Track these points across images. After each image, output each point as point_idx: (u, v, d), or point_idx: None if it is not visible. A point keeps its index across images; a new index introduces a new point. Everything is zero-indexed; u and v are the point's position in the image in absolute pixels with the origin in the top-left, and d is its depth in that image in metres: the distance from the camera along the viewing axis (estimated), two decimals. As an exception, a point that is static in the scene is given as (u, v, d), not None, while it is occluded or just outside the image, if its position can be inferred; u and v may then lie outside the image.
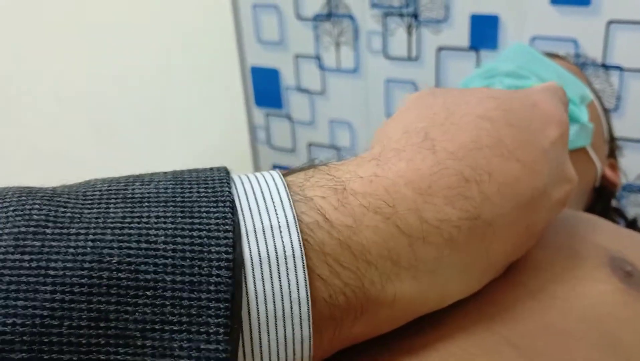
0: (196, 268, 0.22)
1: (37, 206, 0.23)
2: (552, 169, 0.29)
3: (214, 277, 0.22)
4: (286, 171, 0.28)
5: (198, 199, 0.24)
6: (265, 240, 0.24)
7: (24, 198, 0.23)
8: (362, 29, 1.06)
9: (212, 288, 0.22)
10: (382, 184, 0.26)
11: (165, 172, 0.27)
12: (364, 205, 0.25)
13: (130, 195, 0.24)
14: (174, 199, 0.24)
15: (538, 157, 0.29)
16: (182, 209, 0.24)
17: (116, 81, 1.40)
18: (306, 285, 0.23)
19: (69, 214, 0.23)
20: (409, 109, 0.31)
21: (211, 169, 0.27)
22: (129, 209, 0.23)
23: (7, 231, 0.22)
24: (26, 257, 0.21)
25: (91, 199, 0.24)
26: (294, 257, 0.23)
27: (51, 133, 1.55)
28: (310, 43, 1.12)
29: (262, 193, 0.25)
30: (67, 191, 0.25)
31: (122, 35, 1.33)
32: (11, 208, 0.23)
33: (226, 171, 0.26)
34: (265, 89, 1.22)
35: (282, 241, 0.24)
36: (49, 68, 1.43)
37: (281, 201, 0.25)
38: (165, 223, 0.23)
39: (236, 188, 0.25)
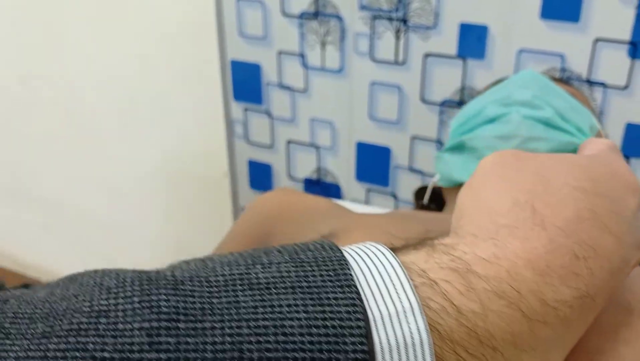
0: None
1: (163, 297, 0.22)
2: (633, 238, 0.30)
3: None
4: (392, 246, 0.28)
5: (322, 284, 0.24)
6: (393, 327, 0.23)
7: (146, 286, 0.22)
8: (349, 30, 1.05)
9: None
10: (503, 266, 0.25)
11: (278, 250, 0.26)
12: (489, 289, 0.25)
13: (255, 281, 0.24)
14: (299, 284, 0.23)
15: (625, 228, 0.29)
16: (310, 296, 0.23)
17: (93, 69, 1.35)
18: None
19: (198, 305, 0.22)
20: (499, 175, 0.31)
21: (322, 246, 0.26)
22: (258, 297, 0.23)
23: (137, 326, 0.21)
24: (163, 355, 0.20)
25: (217, 287, 0.23)
26: (421, 344, 0.23)
27: (23, 119, 1.49)
28: (295, 40, 1.11)
29: (380, 274, 0.24)
30: (189, 277, 0.24)
31: (102, 23, 1.28)
32: (136, 299, 0.22)
33: (339, 250, 0.26)
34: (245, 83, 1.20)
35: (409, 328, 0.23)
36: (20, 52, 1.36)
37: (401, 283, 0.24)
38: (297, 312, 0.22)
39: (352, 269, 0.25)
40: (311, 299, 0.23)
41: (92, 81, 1.37)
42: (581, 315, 0.27)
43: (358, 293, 0.23)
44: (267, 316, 0.22)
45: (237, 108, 1.24)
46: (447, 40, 0.99)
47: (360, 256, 0.26)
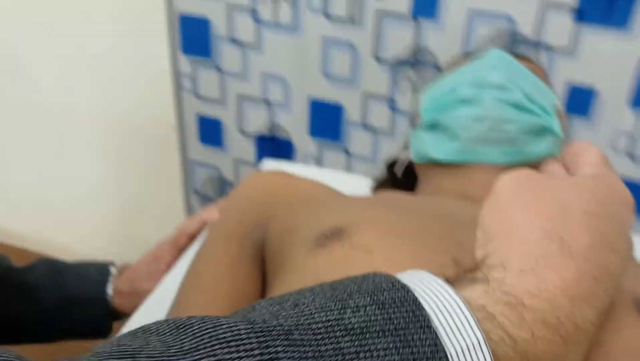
0: None
1: (280, 348, 0.24)
2: (628, 249, 0.34)
3: None
4: (446, 279, 0.30)
5: (405, 325, 0.26)
6: None
7: (262, 338, 0.24)
8: (302, -14, 1.05)
9: None
10: (546, 298, 0.29)
11: (356, 289, 0.28)
12: (536, 319, 0.28)
13: (350, 326, 0.26)
14: (387, 327, 0.26)
15: (625, 243, 0.33)
16: (399, 338, 0.26)
17: (37, 23, 1.29)
18: None
19: (310, 355, 0.24)
20: (521, 199, 0.33)
21: (392, 283, 0.28)
22: (357, 342, 0.25)
23: None
24: None
25: (319, 334, 0.26)
26: None
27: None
28: (246, -5, 1.09)
29: (448, 312, 0.27)
30: (294, 325, 0.26)
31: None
32: (257, 352, 0.24)
33: (409, 290, 0.28)
34: (194, 37, 1.18)
35: None
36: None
37: (467, 321, 0.27)
38: (392, 354, 0.25)
39: (425, 309, 0.27)
40: (400, 341, 0.25)
41: (36, 36, 1.31)
42: (599, 329, 0.31)
43: (436, 333, 0.26)
44: None
45: (185, 62, 1.21)
46: (401, -1, 1.00)
47: (426, 293, 0.28)
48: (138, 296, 0.75)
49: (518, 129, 0.58)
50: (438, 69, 1.04)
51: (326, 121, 1.17)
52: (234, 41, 1.14)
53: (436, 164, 0.62)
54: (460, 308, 0.27)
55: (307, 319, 0.26)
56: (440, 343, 0.26)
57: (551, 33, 0.96)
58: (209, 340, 0.24)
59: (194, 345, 0.24)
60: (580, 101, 0.99)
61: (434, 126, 0.62)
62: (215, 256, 0.53)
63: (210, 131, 1.29)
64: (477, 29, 0.99)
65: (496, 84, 0.59)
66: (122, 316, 0.78)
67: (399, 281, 0.28)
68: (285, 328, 0.26)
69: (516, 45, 0.98)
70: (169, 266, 0.77)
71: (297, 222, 0.51)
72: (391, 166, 0.74)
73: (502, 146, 0.58)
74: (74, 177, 1.51)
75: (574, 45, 0.95)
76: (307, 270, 0.42)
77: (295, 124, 1.20)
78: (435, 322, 0.27)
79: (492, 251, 0.31)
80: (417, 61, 1.05)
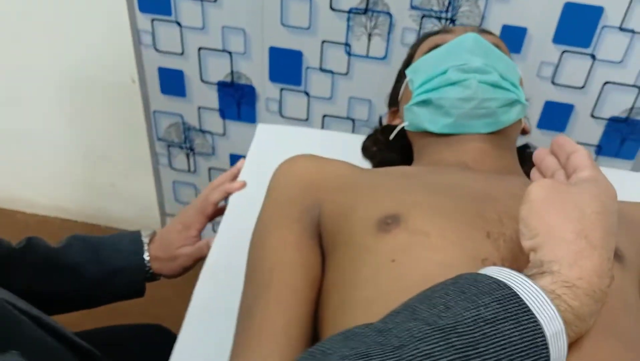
0: None
1: (456, 338, 0.38)
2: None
3: None
4: (526, 273, 0.44)
5: (516, 315, 0.40)
6: (556, 343, 0.40)
7: (443, 335, 0.38)
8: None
9: None
10: (587, 279, 0.43)
11: (480, 292, 0.41)
12: (583, 293, 0.43)
13: (487, 318, 0.39)
14: (508, 316, 0.39)
15: (615, 227, 0.48)
16: (515, 324, 0.39)
17: None
18: None
19: (471, 340, 0.38)
20: (552, 205, 0.47)
21: (498, 284, 0.42)
22: (493, 328, 0.39)
23: None
24: None
25: (471, 326, 0.39)
26: (564, 347, 0.41)
27: None
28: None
29: (538, 302, 0.40)
30: (454, 323, 0.39)
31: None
32: (443, 344, 0.37)
33: (511, 288, 0.41)
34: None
35: (563, 343, 0.41)
36: None
37: (552, 310, 0.41)
38: (514, 335, 0.38)
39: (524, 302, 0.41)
40: (516, 326, 0.40)
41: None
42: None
43: (538, 322, 0.40)
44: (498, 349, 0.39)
45: (143, 20, 1.25)
46: (355, -45, 1.09)
47: (520, 287, 0.42)
48: (175, 261, 0.87)
49: (497, 104, 0.73)
50: (390, 15, 1.15)
51: (286, 67, 1.27)
52: (193, -2, 1.19)
53: (430, 134, 0.77)
54: (545, 300, 0.41)
55: (461, 316, 0.40)
56: (543, 330, 0.40)
57: (489, -18, 1.09)
58: (411, 337, 0.38)
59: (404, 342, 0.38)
60: (513, 39, 1.15)
61: (426, 102, 0.76)
62: (281, 235, 0.65)
63: (172, 82, 1.35)
64: (425, -20, 1.10)
65: (478, 69, 0.73)
66: (158, 278, 0.90)
67: (502, 282, 0.42)
68: (449, 325, 0.40)
69: (459, -7, 1.11)
70: (199, 231, 0.88)
71: (347, 206, 0.63)
72: (384, 130, 0.88)
73: (484, 119, 0.73)
74: (33, 129, 1.53)
75: (508, -8, 1.09)
76: (381, 252, 0.56)
77: (256, 71, 1.29)
78: (534, 311, 0.40)
79: (540, 246, 0.46)
80: (369, 10, 1.16)
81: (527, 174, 0.66)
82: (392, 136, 0.84)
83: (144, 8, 1.23)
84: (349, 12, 1.16)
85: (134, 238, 0.88)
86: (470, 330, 0.39)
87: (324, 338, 0.57)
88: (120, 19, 1.25)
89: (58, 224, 1.75)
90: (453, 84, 0.73)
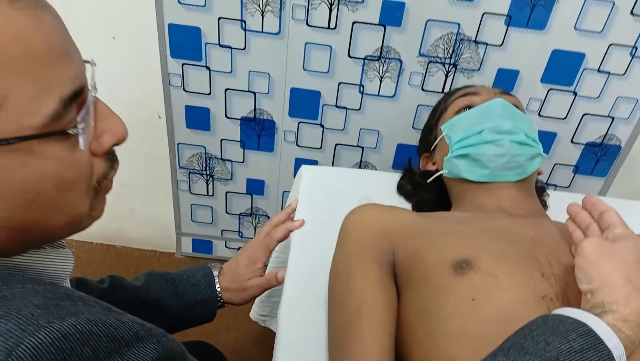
0: None
1: None
2: None
3: None
4: (594, 312, 0.60)
5: (595, 345, 0.55)
6: None
7: None
8: (287, 1, 1.25)
9: None
10: (636, 315, 0.58)
11: (568, 330, 0.56)
12: (635, 325, 0.58)
13: (576, 348, 0.54)
14: (589, 347, 0.54)
15: None
16: (597, 353, 0.55)
17: None
18: None
19: None
20: (603, 258, 0.62)
21: (579, 324, 0.57)
22: (580, 357, 0.54)
23: None
24: None
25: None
26: None
27: None
28: (237, 9, 1.26)
29: (607, 336, 0.56)
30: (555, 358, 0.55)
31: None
32: None
33: (589, 326, 0.57)
34: (184, 44, 1.33)
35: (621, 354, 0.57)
36: None
37: (617, 338, 0.56)
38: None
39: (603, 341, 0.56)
40: (598, 354, 0.55)
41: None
42: None
43: (609, 349, 0.56)
44: None
45: (174, 64, 1.37)
46: (373, 11, 1.25)
47: (592, 324, 0.57)
48: (246, 291, 1.01)
49: (524, 158, 0.90)
50: (400, 61, 1.32)
51: (305, 104, 1.42)
52: (223, 46, 1.32)
53: (467, 181, 0.94)
54: (613, 334, 0.56)
55: (560, 349, 0.55)
56: (612, 355, 0.56)
57: (488, 34, 1.27)
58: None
59: None
60: (507, 80, 1.33)
61: (465, 156, 0.93)
62: (364, 275, 0.79)
63: (198, 118, 1.47)
64: (432, 32, 1.27)
65: (509, 130, 0.90)
66: (225, 306, 1.04)
67: (580, 321, 0.58)
68: (553, 357, 0.55)
69: (462, 42, 1.28)
70: (264, 264, 1.03)
71: (420, 250, 0.79)
72: (422, 174, 1.04)
73: (514, 170, 0.91)
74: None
75: (504, 42, 1.27)
76: (461, 291, 0.72)
77: (277, 108, 1.43)
78: (605, 342, 0.56)
79: (597, 290, 0.62)
80: (382, 57, 1.32)
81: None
82: (430, 180, 1.01)
83: (175, 54, 1.35)
84: (364, 58, 1.32)
85: (206, 272, 1.02)
86: (568, 359, 0.55)
87: None
88: (152, 62, 1.37)
89: (74, 246, 1.85)
90: (488, 142, 0.90)
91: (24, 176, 0.48)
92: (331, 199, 1.06)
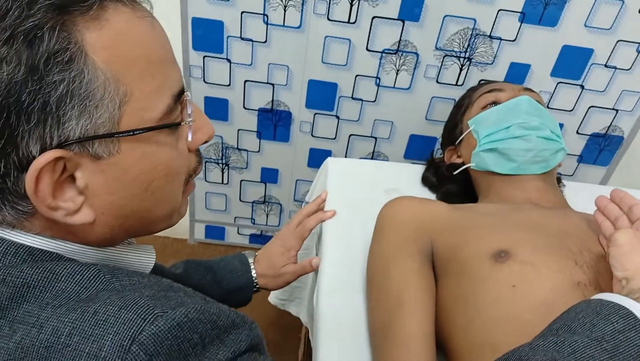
0: None
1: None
2: None
3: None
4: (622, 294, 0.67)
5: (634, 327, 0.61)
6: None
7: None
8: (310, -2, 1.28)
9: None
10: None
11: (609, 313, 0.62)
12: None
13: (616, 330, 0.60)
14: (630, 328, 0.60)
15: None
16: (636, 331, 0.61)
17: None
18: None
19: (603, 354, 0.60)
20: (636, 246, 0.67)
21: (621, 306, 0.62)
22: (622, 336, 0.59)
23: None
24: None
25: (604, 339, 0.60)
26: None
27: None
28: (260, 2, 1.30)
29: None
30: (599, 336, 0.60)
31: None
32: None
33: (628, 308, 0.62)
34: (206, 36, 1.37)
35: None
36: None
37: None
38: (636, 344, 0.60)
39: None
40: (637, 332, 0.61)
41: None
42: None
43: None
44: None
45: (196, 56, 1.40)
46: (392, 7, 1.29)
47: (631, 307, 0.62)
48: (281, 277, 1.06)
49: (549, 153, 0.96)
50: (417, 55, 1.36)
51: (322, 96, 1.46)
52: (244, 39, 1.36)
53: (494, 174, 0.99)
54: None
55: (604, 330, 0.60)
56: None
57: (502, 30, 1.32)
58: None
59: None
60: (519, 73, 1.39)
61: (493, 150, 0.98)
62: (405, 264, 0.84)
63: (217, 109, 1.51)
64: (449, 27, 1.32)
65: (536, 127, 0.96)
66: (259, 290, 1.09)
67: (619, 304, 0.64)
68: (600, 336, 0.61)
69: (477, 37, 1.33)
70: (297, 252, 1.08)
71: (458, 242, 0.84)
72: (448, 168, 1.10)
73: (540, 163, 0.97)
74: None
75: (517, 37, 1.33)
76: (501, 279, 0.77)
77: (294, 100, 1.47)
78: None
79: (632, 277, 0.68)
80: (400, 50, 1.36)
81: None
82: (456, 172, 1.06)
83: (197, 47, 1.39)
84: (382, 52, 1.36)
85: (242, 260, 1.07)
86: (612, 338, 0.61)
87: (452, 347, 0.78)
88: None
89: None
90: (517, 137, 0.96)
91: (142, 165, 0.53)
92: (359, 190, 1.11)
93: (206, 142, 0.61)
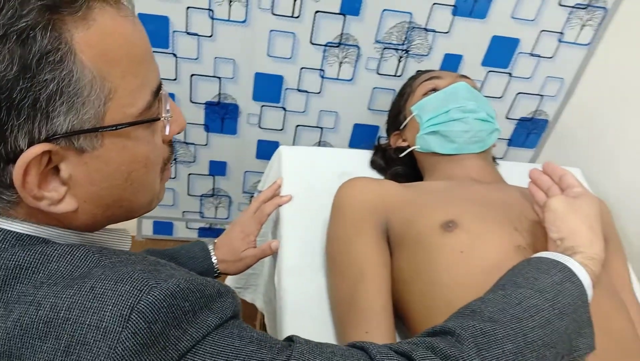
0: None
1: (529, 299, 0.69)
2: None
3: None
4: (565, 253, 0.75)
5: (570, 278, 0.69)
6: (589, 291, 0.70)
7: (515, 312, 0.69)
8: (255, -7, 1.33)
9: None
10: (599, 253, 0.73)
11: (549, 267, 0.71)
12: (598, 262, 0.73)
13: (554, 281, 0.69)
14: (565, 279, 0.68)
15: (599, 220, 0.80)
16: (571, 282, 0.68)
17: None
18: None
19: (541, 300, 0.67)
20: (570, 212, 0.76)
21: (558, 261, 0.71)
22: (559, 287, 0.68)
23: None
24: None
25: (546, 291, 0.67)
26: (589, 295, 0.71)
27: None
28: None
29: (579, 271, 0.70)
30: (541, 288, 0.68)
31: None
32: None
33: (563, 263, 0.71)
34: (152, 33, 1.39)
35: (590, 292, 0.70)
36: None
37: (586, 274, 0.70)
38: (572, 292, 0.68)
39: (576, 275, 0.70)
40: (573, 284, 0.69)
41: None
42: None
43: (582, 284, 0.70)
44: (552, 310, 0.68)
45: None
46: (334, 1, 1.35)
47: (566, 262, 0.71)
48: (242, 261, 1.10)
49: (485, 133, 1.05)
50: (358, 47, 1.43)
51: (268, 88, 1.51)
52: (190, 34, 1.39)
53: (437, 154, 1.07)
54: (582, 269, 0.70)
55: (545, 282, 0.68)
56: (583, 284, 0.70)
57: (436, 22, 1.41)
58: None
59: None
60: (452, 63, 1.48)
61: (435, 133, 1.06)
62: (364, 240, 0.89)
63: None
64: (387, 21, 1.40)
65: (472, 110, 1.04)
66: (220, 276, 1.13)
67: (556, 260, 0.72)
68: (542, 288, 0.69)
69: (413, 30, 1.41)
70: (256, 237, 1.12)
71: (410, 216, 0.91)
72: (395, 151, 1.17)
73: (478, 143, 1.05)
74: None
75: (450, 29, 1.42)
76: (450, 247, 0.85)
77: (241, 93, 1.51)
78: (577, 275, 0.70)
79: (566, 237, 0.76)
80: (342, 44, 1.43)
81: None
82: (402, 155, 1.14)
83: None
84: (325, 45, 1.42)
85: (202, 247, 1.10)
86: (552, 288, 0.69)
87: (410, 315, 0.86)
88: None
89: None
90: (456, 120, 1.04)
91: (122, 157, 0.57)
92: (312, 175, 1.16)
93: (179, 132, 0.65)
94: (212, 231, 1.89)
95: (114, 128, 0.54)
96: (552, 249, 0.78)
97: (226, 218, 1.85)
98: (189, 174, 1.71)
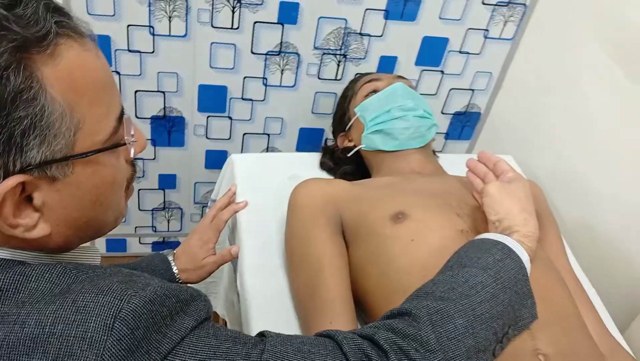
0: None
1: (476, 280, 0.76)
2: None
3: None
4: (503, 233, 0.81)
5: (509, 256, 0.76)
6: (527, 266, 0.77)
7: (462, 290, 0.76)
8: (193, 7, 1.37)
9: None
10: (533, 231, 0.80)
11: (490, 248, 0.78)
12: (533, 239, 0.80)
13: (494, 259, 0.75)
14: (505, 257, 0.76)
15: (531, 201, 0.89)
16: (510, 259, 0.76)
17: None
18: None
19: (485, 275, 0.74)
20: (505, 196, 0.83)
21: (497, 242, 0.79)
22: (500, 264, 0.75)
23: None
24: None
25: (488, 268, 0.74)
26: (529, 268, 0.79)
27: None
28: (145, 17, 1.36)
29: (517, 249, 0.77)
30: (483, 266, 0.75)
31: None
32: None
33: (503, 242, 0.78)
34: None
35: (529, 266, 0.78)
36: None
37: (524, 250, 0.78)
38: (512, 267, 0.75)
39: (517, 252, 0.77)
40: (512, 260, 0.76)
41: None
42: None
43: (522, 260, 0.77)
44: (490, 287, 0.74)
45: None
46: (271, 12, 1.41)
47: (505, 241, 0.78)
48: (203, 268, 1.14)
49: (424, 129, 1.12)
50: (298, 55, 1.49)
51: (213, 99, 1.54)
52: (132, 51, 1.41)
53: (382, 152, 1.14)
54: (519, 246, 0.78)
55: (487, 260, 0.75)
56: (522, 260, 0.77)
57: (370, 27, 1.48)
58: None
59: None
60: (388, 65, 1.56)
61: (379, 132, 1.13)
62: (320, 235, 0.94)
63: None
64: (324, 28, 1.46)
65: (411, 108, 1.11)
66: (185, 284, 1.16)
67: (496, 240, 0.79)
68: (484, 265, 0.77)
69: (349, 35, 1.48)
70: (215, 244, 1.16)
71: (362, 210, 0.97)
72: (343, 151, 1.23)
73: (418, 139, 1.12)
74: None
75: (384, 33, 1.49)
76: (401, 236, 0.91)
77: (186, 105, 1.54)
78: (516, 251, 0.77)
79: (503, 219, 0.83)
80: (282, 52, 1.48)
81: None
82: (350, 154, 1.20)
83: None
84: (266, 54, 1.47)
85: (162, 258, 1.13)
86: (494, 265, 0.76)
87: (369, 301, 0.92)
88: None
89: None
90: (396, 118, 1.11)
91: (93, 181, 0.60)
92: (265, 180, 1.21)
93: (140, 152, 0.69)
94: (165, 245, 1.90)
95: (84, 156, 0.57)
96: (491, 230, 0.86)
97: (179, 230, 1.87)
98: (139, 190, 1.72)
